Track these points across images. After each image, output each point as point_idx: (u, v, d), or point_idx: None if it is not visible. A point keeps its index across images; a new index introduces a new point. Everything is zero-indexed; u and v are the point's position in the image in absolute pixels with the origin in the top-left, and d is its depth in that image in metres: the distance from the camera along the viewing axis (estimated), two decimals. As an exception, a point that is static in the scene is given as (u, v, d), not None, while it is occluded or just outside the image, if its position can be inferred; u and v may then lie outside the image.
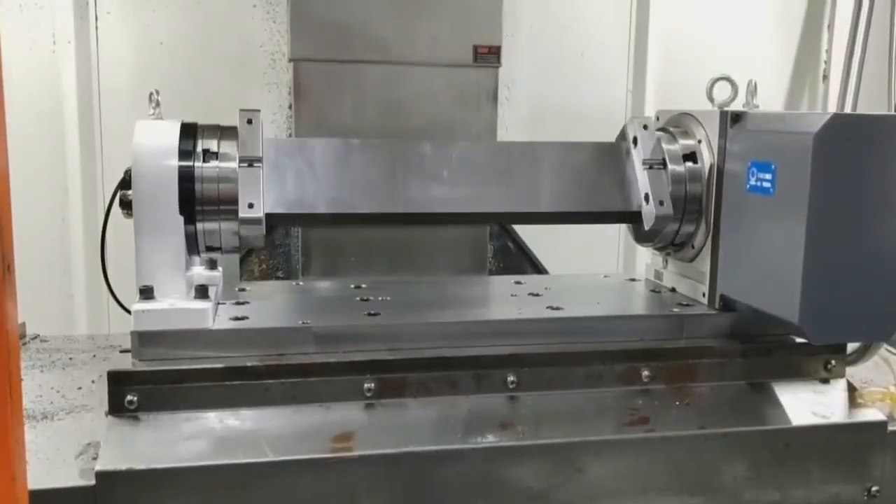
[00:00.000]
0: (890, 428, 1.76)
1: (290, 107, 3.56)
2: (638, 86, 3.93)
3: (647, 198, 1.93)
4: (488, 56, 3.49)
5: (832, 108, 3.99)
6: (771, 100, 4.16)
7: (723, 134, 1.87)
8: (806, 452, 1.73)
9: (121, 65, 3.51)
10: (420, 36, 3.46)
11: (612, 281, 2.31)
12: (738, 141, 1.82)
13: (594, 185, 2.00)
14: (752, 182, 1.74)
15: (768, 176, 1.69)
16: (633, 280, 2.26)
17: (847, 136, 1.56)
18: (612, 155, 2.03)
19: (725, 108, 1.89)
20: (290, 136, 3.57)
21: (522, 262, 3.90)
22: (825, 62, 4.21)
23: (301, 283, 2.31)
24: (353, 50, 3.41)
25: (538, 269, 3.87)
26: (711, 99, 1.95)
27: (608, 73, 3.92)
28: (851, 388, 1.84)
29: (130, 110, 3.31)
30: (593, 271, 2.48)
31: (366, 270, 3.52)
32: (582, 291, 2.11)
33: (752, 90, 1.98)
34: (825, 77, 4.22)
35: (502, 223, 3.47)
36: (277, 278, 3.60)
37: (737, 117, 1.84)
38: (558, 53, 3.85)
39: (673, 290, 2.09)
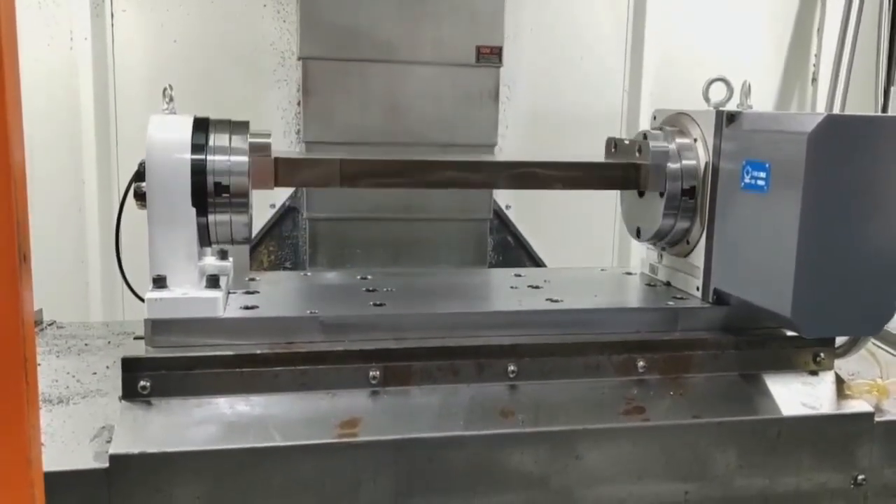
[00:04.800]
0: (876, 419, 1.75)
1: (298, 103, 3.53)
2: (634, 87, 3.90)
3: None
4: (490, 56, 3.47)
5: (821, 109, 3.96)
6: (762, 101, 4.13)
7: (718, 133, 1.85)
8: (795, 442, 1.71)
9: (135, 61, 3.48)
10: (424, 36, 3.43)
11: (609, 274, 2.29)
12: (733, 140, 1.80)
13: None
14: (747, 180, 1.72)
15: (762, 174, 1.67)
16: (629, 274, 2.24)
17: (840, 136, 1.54)
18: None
19: (721, 108, 1.87)
20: (299, 132, 3.55)
21: (521, 255, 3.89)
22: (814, 65, 4.18)
23: (309, 273, 2.29)
24: (360, 49, 3.38)
25: (536, 262, 3.85)
26: (707, 99, 1.93)
27: (605, 74, 3.89)
28: (839, 380, 1.83)
29: (145, 105, 3.29)
30: (589, 265, 2.46)
31: (371, 262, 3.51)
32: (580, 284, 2.09)
33: (747, 91, 1.96)
34: (814, 80, 4.19)
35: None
36: (285, 269, 3.58)
37: (732, 117, 1.82)
38: (558, 55, 3.82)
39: (668, 284, 2.07)
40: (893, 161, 1.56)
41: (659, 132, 1.99)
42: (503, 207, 3.83)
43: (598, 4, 3.85)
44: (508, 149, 3.75)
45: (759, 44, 4.13)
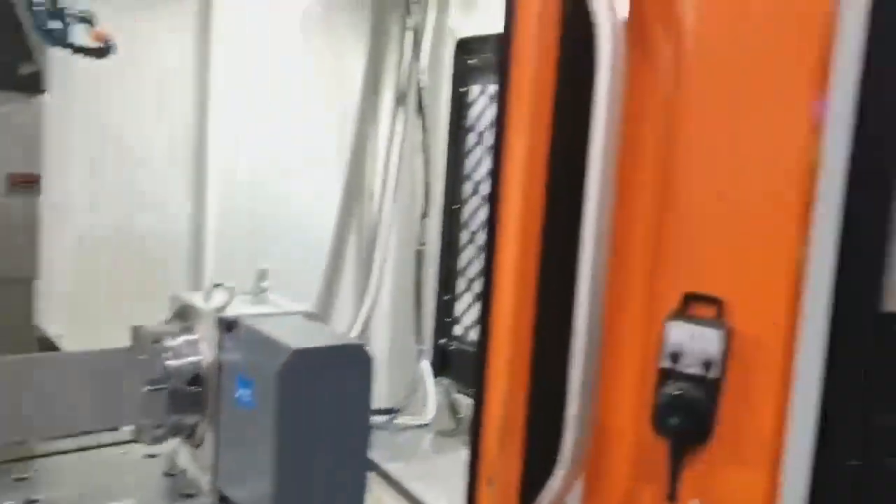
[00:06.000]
0: None
1: None
2: (198, 215, 3.87)
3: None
4: (26, 185, 3.18)
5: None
6: (325, 213, 4.36)
7: (221, 335, 1.91)
8: None
9: None
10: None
11: (129, 458, 2.18)
12: (230, 349, 1.87)
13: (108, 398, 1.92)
14: (238, 393, 1.80)
15: (249, 391, 1.76)
16: (152, 456, 2.18)
17: (304, 366, 1.69)
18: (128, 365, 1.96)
19: (221, 314, 1.91)
20: None
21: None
22: (370, 184, 4.57)
23: None
24: None
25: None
26: (209, 300, 1.97)
27: (168, 206, 3.79)
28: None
29: None
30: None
31: None
32: (77, 475, 2.00)
33: (262, 276, 2.07)
34: (372, 197, 4.58)
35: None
36: None
37: (230, 326, 1.89)
38: (115, 182, 3.64)
39: (185, 472, 2.06)
40: (351, 381, 1.76)
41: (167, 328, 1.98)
42: (53, 337, 3.49)
43: (152, 129, 3.75)
44: (59, 278, 3.44)
45: (323, 156, 4.38)
